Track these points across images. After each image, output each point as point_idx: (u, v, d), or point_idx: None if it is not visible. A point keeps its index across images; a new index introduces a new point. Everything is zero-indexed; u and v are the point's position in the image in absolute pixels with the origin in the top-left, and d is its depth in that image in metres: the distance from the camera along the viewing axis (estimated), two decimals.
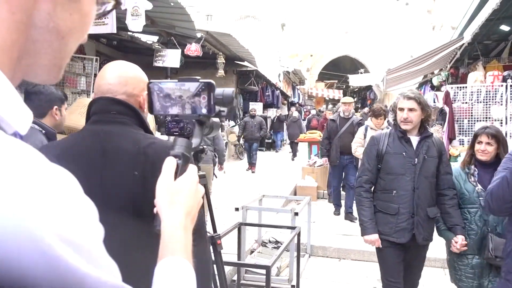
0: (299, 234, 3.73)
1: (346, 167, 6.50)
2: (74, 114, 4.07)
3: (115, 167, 1.27)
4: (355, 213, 6.39)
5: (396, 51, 21.66)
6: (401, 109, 2.82)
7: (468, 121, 7.82)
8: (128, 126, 1.32)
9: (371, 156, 2.92)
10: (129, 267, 1.17)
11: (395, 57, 19.19)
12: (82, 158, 1.28)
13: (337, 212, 6.75)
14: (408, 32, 22.28)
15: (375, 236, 2.86)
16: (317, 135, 11.59)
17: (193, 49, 9.39)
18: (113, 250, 1.11)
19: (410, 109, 2.78)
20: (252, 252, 4.66)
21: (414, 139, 2.86)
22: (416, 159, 2.80)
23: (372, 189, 2.99)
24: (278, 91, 17.47)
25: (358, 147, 5.58)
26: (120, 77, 1.34)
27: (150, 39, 9.77)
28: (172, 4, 6.89)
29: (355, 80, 22.81)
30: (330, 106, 21.46)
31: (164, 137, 1.51)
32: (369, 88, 23.42)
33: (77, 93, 8.00)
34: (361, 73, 24.03)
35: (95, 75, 8.18)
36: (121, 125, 1.31)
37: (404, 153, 2.82)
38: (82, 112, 4.00)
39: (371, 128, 5.55)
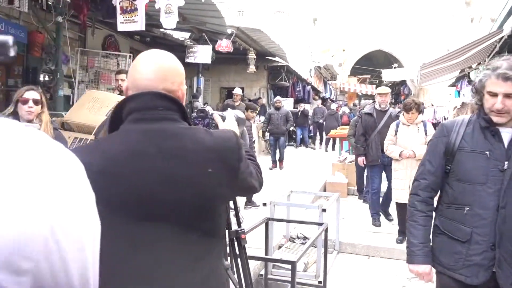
0: (326, 230, 3.72)
1: (386, 168, 5.64)
2: (82, 110, 3.89)
3: (181, 167, 1.16)
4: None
5: (431, 44, 21.02)
6: (493, 94, 1.85)
7: None
8: (178, 122, 1.22)
9: (437, 153, 2.04)
10: (197, 274, 1.18)
11: (431, 51, 18.64)
12: (138, 161, 1.14)
13: (377, 223, 5.75)
14: (444, 25, 21.58)
15: (425, 268, 2.01)
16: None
17: (224, 45, 9.47)
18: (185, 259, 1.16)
19: (508, 95, 1.82)
20: (280, 247, 4.68)
21: (507, 134, 1.89)
22: (506, 162, 1.85)
23: (436, 199, 2.13)
24: (309, 86, 17.35)
25: (389, 145, 5.09)
26: (158, 72, 1.22)
27: (182, 35, 9.92)
28: (203, 0, 6.97)
29: (389, 75, 22.29)
30: (363, 101, 21.12)
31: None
32: (403, 83, 22.86)
33: (111, 89, 8.22)
34: (394, 67, 23.48)
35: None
36: (171, 122, 1.20)
37: (488, 152, 1.89)
38: (91, 106, 3.88)
39: (403, 124, 5.10)
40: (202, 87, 11.78)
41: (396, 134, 5.09)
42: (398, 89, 25.53)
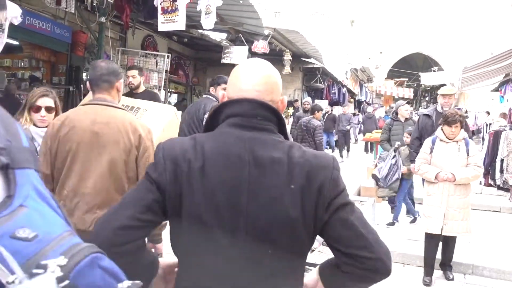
0: None
1: None
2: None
3: (270, 179, 1.14)
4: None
5: (473, 47, 20.30)
6: None
7: None
8: (273, 133, 1.20)
9: None
10: None
11: (473, 54, 17.99)
12: (233, 165, 1.15)
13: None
14: (488, 27, 20.77)
15: None
16: None
17: (260, 46, 9.49)
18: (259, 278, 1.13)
19: None
20: (312, 251, 4.64)
21: None
22: None
23: None
24: (345, 88, 17.12)
25: (422, 164, 4.36)
26: (267, 84, 1.23)
27: (219, 36, 10.01)
28: (241, 1, 7.01)
29: (428, 79, 21.72)
30: (397, 101, 20.66)
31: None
32: (442, 87, 22.20)
33: (149, 88, 8.42)
34: (434, 71, 22.84)
35: (167, 71, 8.57)
36: (267, 133, 1.19)
37: None
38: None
39: (441, 140, 4.31)
40: None
41: (431, 152, 4.33)
42: (436, 94, 24.82)
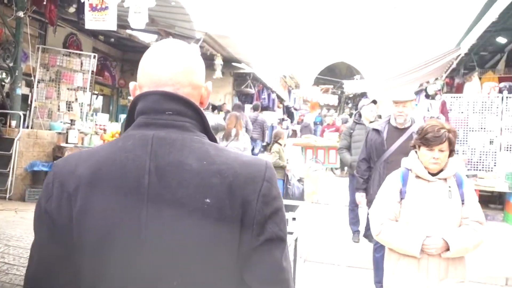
0: (296, 240, 3.72)
1: None
2: None
3: (177, 191, 0.90)
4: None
5: (392, 59, 21.79)
6: None
7: (464, 131, 7.91)
8: (189, 132, 0.96)
9: None
10: None
11: (391, 65, 19.30)
12: (129, 175, 0.91)
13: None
14: (404, 41, 22.43)
15: None
16: (312, 139, 11.61)
17: None
18: None
19: None
20: None
21: None
22: None
23: None
24: (274, 94, 17.48)
25: (385, 223, 2.49)
26: (185, 63, 0.99)
27: (148, 38, 9.74)
28: (173, 3, 6.87)
29: (350, 86, 22.89)
30: (325, 111, 21.59)
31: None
32: (364, 94, 23.51)
33: (73, 89, 7.94)
34: (356, 79, 24.17)
35: (92, 72, 8.13)
36: (180, 131, 0.95)
37: None
38: None
39: (417, 177, 2.53)
40: None
41: (402, 198, 2.47)
42: (358, 100, 26.25)
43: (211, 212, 0.89)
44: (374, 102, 5.38)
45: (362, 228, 5.66)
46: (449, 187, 2.43)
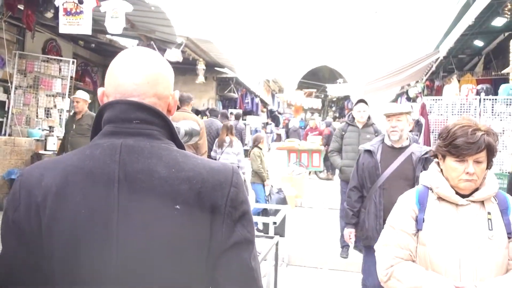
0: (277, 244, 3.70)
1: None
2: None
3: (146, 199, 0.91)
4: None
5: (373, 63, 22.06)
6: None
7: None
8: (156, 140, 0.97)
9: None
10: None
11: (373, 69, 19.53)
12: (98, 184, 0.92)
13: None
14: (385, 44, 22.74)
15: None
16: (296, 143, 11.64)
17: (173, 54, 9.32)
18: None
19: None
20: None
21: None
22: None
23: None
24: (258, 98, 17.50)
25: (401, 265, 1.78)
26: (150, 74, 1.00)
27: (129, 43, 9.65)
28: (152, 8, 6.82)
29: (334, 90, 23.08)
30: (309, 114, 21.71)
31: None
32: (347, 98, 23.72)
33: (52, 95, 7.81)
34: (339, 83, 24.36)
35: (71, 77, 8.01)
36: (147, 139, 0.96)
37: None
38: None
39: (440, 199, 1.78)
40: None
41: (419, 229, 1.75)
42: (342, 103, 26.47)
43: (181, 218, 0.91)
44: (362, 101, 5.01)
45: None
46: (489, 213, 1.68)
